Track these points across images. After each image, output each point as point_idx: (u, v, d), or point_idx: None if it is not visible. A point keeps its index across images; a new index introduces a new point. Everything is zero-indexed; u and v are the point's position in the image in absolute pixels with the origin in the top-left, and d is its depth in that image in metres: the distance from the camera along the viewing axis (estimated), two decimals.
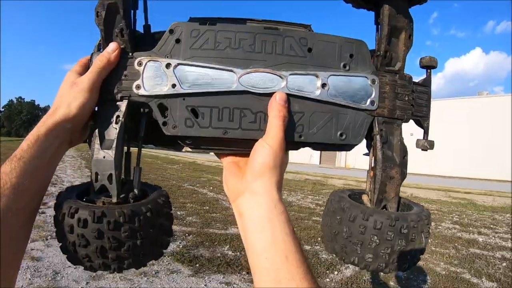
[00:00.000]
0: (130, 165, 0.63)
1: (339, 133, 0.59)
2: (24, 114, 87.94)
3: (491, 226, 6.90)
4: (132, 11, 0.61)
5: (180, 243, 4.47)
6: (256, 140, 0.54)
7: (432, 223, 6.78)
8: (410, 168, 0.64)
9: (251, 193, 0.49)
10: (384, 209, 0.61)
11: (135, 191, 0.59)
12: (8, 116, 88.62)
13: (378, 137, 0.60)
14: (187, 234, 4.83)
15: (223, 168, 0.60)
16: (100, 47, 0.60)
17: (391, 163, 0.61)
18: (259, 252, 0.45)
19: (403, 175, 0.62)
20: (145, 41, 0.61)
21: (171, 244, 3.90)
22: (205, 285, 3.35)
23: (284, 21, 0.64)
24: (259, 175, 0.50)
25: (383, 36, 0.61)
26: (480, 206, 9.62)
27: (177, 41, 0.56)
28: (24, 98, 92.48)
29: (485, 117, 25.46)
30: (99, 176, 0.56)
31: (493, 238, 5.89)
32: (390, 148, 0.62)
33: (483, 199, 10.95)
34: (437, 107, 27.80)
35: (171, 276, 3.48)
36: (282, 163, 0.52)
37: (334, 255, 0.64)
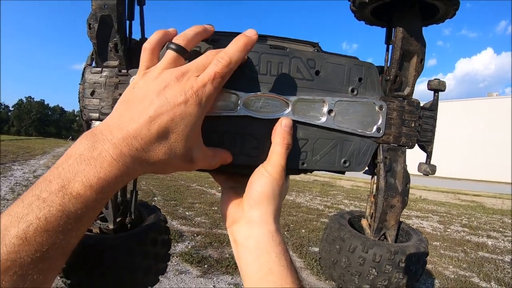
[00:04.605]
0: (126, 185, 0.61)
1: (342, 160, 0.56)
2: (34, 114, 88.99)
3: (500, 229, 6.82)
4: (128, 22, 0.57)
5: (188, 243, 4.50)
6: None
7: (441, 226, 6.76)
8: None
9: (247, 222, 0.47)
10: (384, 237, 0.61)
11: (132, 216, 0.59)
12: (17, 115, 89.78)
13: (382, 165, 0.58)
14: (195, 235, 4.87)
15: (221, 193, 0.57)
16: (93, 60, 0.56)
17: (393, 191, 0.59)
18: (254, 282, 0.44)
19: (404, 203, 0.60)
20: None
21: (179, 244, 3.85)
22: (213, 286, 3.38)
23: (291, 38, 0.60)
24: (257, 204, 0.47)
25: (394, 61, 0.59)
26: (489, 209, 9.49)
27: None
28: (33, 98, 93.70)
29: (494, 118, 25.16)
30: None
31: (502, 241, 5.83)
32: (393, 175, 0.60)
33: (492, 202, 10.81)
34: (446, 109, 27.56)
35: (180, 277, 3.51)
36: (281, 192, 0.49)
37: (332, 281, 0.63)
